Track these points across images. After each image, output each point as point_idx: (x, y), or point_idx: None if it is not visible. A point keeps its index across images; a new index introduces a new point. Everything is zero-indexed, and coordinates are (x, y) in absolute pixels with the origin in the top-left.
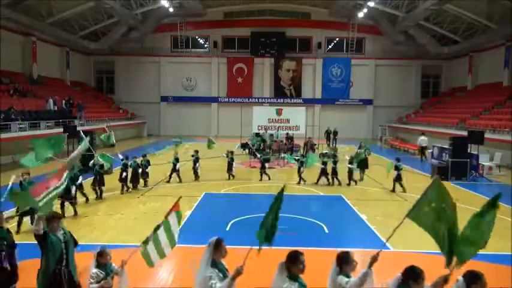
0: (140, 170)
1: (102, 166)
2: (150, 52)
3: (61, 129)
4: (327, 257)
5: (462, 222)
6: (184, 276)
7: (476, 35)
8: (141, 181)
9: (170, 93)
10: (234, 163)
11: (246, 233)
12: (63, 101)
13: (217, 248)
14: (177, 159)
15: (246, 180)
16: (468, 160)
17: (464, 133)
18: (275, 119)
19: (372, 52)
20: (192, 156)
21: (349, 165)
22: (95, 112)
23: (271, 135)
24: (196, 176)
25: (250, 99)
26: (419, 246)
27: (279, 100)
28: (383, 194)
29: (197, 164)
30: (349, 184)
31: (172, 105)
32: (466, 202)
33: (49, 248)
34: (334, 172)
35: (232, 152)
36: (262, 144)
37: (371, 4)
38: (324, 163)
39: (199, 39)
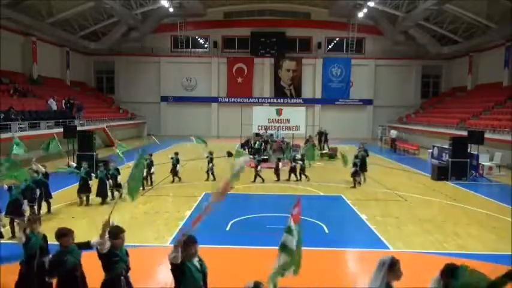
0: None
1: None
2: (150, 52)
3: (61, 129)
4: (327, 257)
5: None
6: None
7: (476, 35)
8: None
9: (170, 93)
10: (211, 163)
11: (246, 233)
12: (63, 101)
13: (392, 268)
14: (177, 160)
15: (246, 180)
16: (468, 160)
17: (464, 133)
18: (275, 119)
19: (372, 52)
20: (207, 156)
21: (299, 162)
22: (95, 112)
23: (271, 135)
24: (212, 176)
25: (250, 99)
26: (419, 246)
27: (279, 100)
28: (383, 194)
29: (211, 164)
30: (299, 180)
31: (172, 105)
32: (466, 202)
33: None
34: (302, 169)
35: (211, 153)
36: (263, 145)
37: (371, 4)
38: (295, 161)
39: (199, 39)
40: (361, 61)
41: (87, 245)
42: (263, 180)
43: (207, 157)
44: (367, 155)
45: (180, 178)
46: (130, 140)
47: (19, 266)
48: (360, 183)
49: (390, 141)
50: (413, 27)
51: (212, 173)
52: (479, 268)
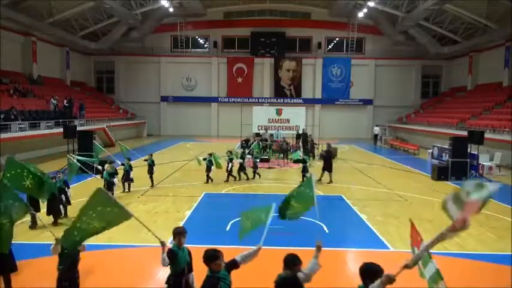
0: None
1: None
2: (150, 52)
3: (61, 129)
4: (327, 257)
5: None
6: None
7: (476, 35)
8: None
9: (170, 93)
10: (231, 163)
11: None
12: (64, 101)
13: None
14: (153, 162)
15: (246, 180)
16: (468, 160)
17: (464, 133)
18: (275, 119)
19: (372, 52)
20: (228, 156)
21: (240, 160)
22: (95, 112)
23: (271, 135)
24: (233, 177)
25: (250, 99)
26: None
27: (279, 100)
28: (383, 194)
29: (230, 164)
30: (239, 178)
31: (172, 105)
32: None
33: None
34: (242, 168)
35: (231, 152)
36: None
37: (371, 4)
38: (242, 159)
39: (199, 39)
40: (361, 61)
41: (235, 265)
42: (259, 176)
43: (228, 157)
44: (332, 156)
45: (152, 181)
46: (130, 140)
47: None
48: (305, 177)
49: (374, 136)
50: (413, 27)
51: (231, 173)
52: (480, 268)
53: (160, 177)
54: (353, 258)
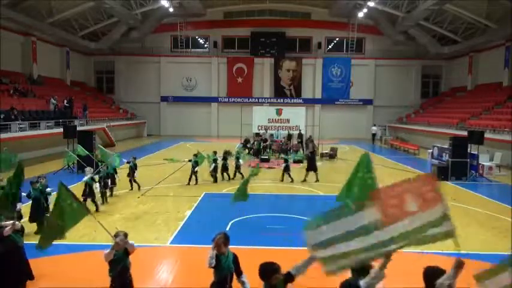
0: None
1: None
2: (150, 52)
3: (61, 129)
4: None
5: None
6: (184, 276)
7: (476, 35)
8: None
9: (170, 93)
10: (214, 164)
11: (246, 233)
12: (65, 101)
13: None
14: (135, 165)
15: (228, 181)
16: (468, 160)
17: (464, 133)
18: (275, 119)
19: (372, 52)
20: (236, 156)
21: (223, 161)
22: (95, 112)
23: (271, 135)
24: (212, 177)
25: (250, 99)
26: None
27: (279, 100)
28: None
29: (213, 165)
30: (225, 179)
31: (172, 105)
32: (466, 202)
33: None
34: (225, 168)
35: (227, 152)
36: (261, 144)
37: (371, 4)
38: (225, 159)
39: (199, 39)
40: (361, 61)
41: (290, 278)
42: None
43: (212, 158)
44: (312, 156)
45: (139, 185)
46: (130, 140)
47: None
48: (290, 177)
49: (372, 136)
50: (413, 27)
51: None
52: (480, 268)
53: (160, 177)
54: None
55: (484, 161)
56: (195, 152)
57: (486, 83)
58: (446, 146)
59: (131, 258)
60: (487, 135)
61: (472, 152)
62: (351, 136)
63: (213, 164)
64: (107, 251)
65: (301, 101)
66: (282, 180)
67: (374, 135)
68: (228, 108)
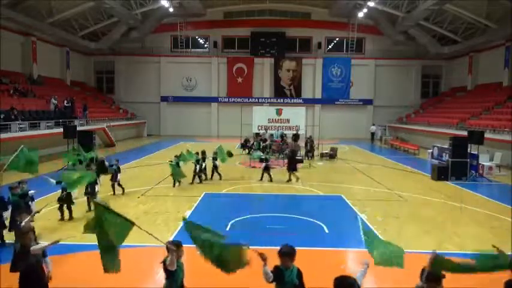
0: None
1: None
2: (150, 52)
3: (61, 129)
4: (327, 257)
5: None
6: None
7: (476, 35)
8: None
9: (170, 93)
10: (198, 165)
11: (246, 233)
12: (65, 101)
13: None
14: (118, 168)
15: (246, 180)
16: (468, 160)
17: (464, 133)
18: (275, 119)
19: (372, 52)
20: (196, 158)
21: (214, 162)
22: (95, 112)
23: (271, 135)
24: (199, 178)
25: (250, 99)
26: (419, 246)
27: (279, 100)
28: (383, 194)
29: (197, 166)
30: (210, 178)
31: (172, 105)
32: (466, 202)
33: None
34: (215, 167)
35: (203, 153)
36: (260, 144)
37: (371, 4)
38: (215, 159)
39: (199, 39)
40: (361, 61)
41: None
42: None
43: (195, 158)
44: (292, 155)
45: (123, 188)
46: (130, 140)
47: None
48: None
49: (371, 135)
50: (413, 27)
51: (198, 175)
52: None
53: (160, 177)
54: (353, 258)
55: (484, 161)
56: (195, 152)
57: (486, 83)
58: (446, 146)
59: (132, 257)
60: (487, 135)
61: (472, 152)
62: (351, 136)
63: (197, 165)
64: (169, 258)
65: (301, 101)
66: (261, 180)
67: (373, 134)
68: (228, 108)
